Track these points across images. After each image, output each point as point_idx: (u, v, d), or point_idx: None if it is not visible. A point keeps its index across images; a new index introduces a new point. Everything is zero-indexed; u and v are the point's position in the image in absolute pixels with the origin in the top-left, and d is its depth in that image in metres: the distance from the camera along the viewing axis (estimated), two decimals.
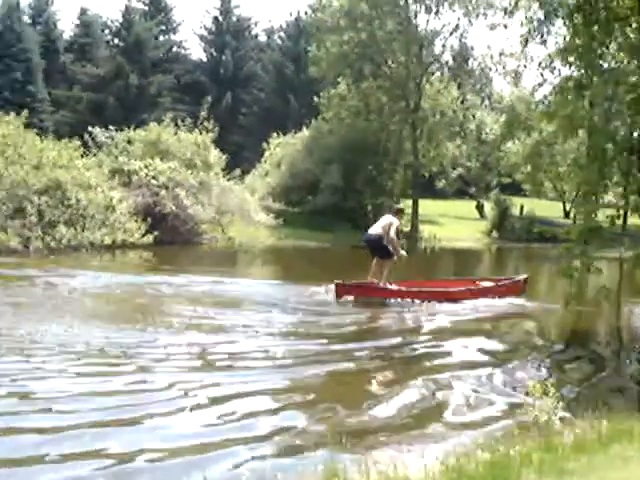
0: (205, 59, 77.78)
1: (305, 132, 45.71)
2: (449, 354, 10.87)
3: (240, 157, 53.58)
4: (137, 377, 8.46)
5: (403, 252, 16.45)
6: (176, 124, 32.65)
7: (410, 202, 43.92)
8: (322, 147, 42.46)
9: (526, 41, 13.88)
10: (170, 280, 17.30)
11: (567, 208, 56.12)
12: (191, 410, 7.19)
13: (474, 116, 58.11)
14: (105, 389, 7.86)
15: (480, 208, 56.91)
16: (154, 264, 22.48)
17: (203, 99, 34.26)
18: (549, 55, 13.65)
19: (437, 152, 48.28)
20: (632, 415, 7.62)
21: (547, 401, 6.56)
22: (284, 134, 47.89)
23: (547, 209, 53.30)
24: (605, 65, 13.37)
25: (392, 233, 15.81)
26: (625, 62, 13.13)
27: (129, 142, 31.01)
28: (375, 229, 16.10)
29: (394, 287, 16.08)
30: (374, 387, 8.92)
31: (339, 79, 46.07)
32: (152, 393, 7.83)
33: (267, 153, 47.02)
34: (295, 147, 44.33)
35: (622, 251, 35.07)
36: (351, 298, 15.58)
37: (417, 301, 15.56)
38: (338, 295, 15.51)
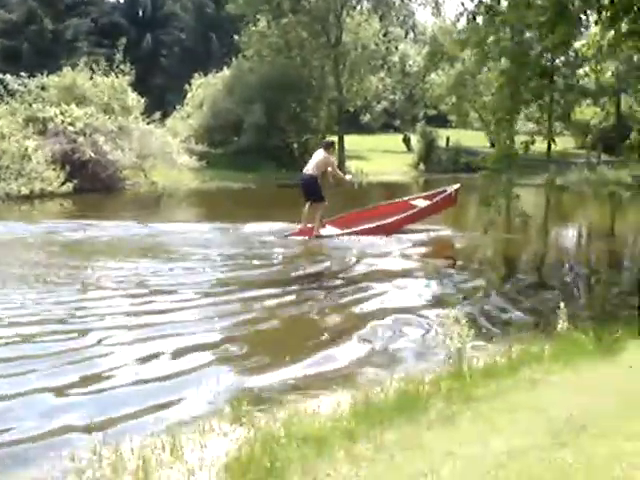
0: (122, 0, 75.65)
1: (226, 71, 44.83)
2: (375, 294, 10.60)
3: (164, 100, 52.55)
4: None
5: (349, 176, 16.29)
6: (91, 68, 31.72)
7: (336, 138, 43.72)
8: (244, 86, 41.69)
9: None
10: (91, 227, 16.83)
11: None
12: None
13: (397, 48, 57.89)
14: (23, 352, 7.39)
15: (407, 141, 56.90)
16: (72, 212, 21.87)
17: (116, 41, 33.16)
18: None
19: (360, 86, 47.98)
20: (545, 337, 7.70)
21: (460, 329, 6.52)
22: (207, 74, 46.86)
23: (474, 139, 53.50)
24: None
25: (330, 168, 15.61)
26: None
27: (43, 88, 29.97)
28: (308, 168, 15.71)
29: (327, 232, 15.75)
30: (300, 334, 8.72)
31: (258, 16, 45.17)
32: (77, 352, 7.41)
33: (189, 94, 46.08)
34: (216, 87, 43.50)
35: (548, 177, 35.71)
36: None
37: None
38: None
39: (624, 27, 11.98)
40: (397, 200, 18.25)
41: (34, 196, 23.96)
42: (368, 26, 46.71)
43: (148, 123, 31.45)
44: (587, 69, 13.89)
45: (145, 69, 66.39)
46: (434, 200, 17.05)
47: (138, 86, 33.57)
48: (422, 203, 17.11)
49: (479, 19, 13.09)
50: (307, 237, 15.20)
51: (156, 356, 7.22)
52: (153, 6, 72.46)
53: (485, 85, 48.29)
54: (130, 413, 5.78)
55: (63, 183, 25.10)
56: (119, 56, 32.03)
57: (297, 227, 15.61)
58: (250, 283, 10.87)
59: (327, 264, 13.02)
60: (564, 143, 54.81)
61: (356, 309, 9.42)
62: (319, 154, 15.85)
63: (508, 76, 12.55)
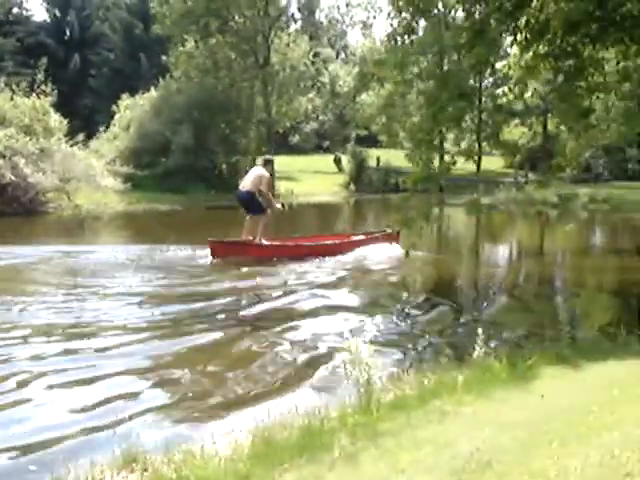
0: (49, 20, 74.34)
1: (153, 92, 44.35)
2: (307, 314, 10.59)
3: (92, 121, 51.74)
4: None
5: (278, 205, 16.15)
6: (11, 89, 30.95)
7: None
8: (171, 107, 41.28)
9: None
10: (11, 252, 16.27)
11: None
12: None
13: (327, 69, 58.03)
14: None
15: (338, 162, 57.00)
16: None
17: (39, 61, 32.39)
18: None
19: (289, 107, 47.96)
20: (460, 366, 7.50)
21: (369, 359, 6.26)
22: (136, 95, 46.31)
23: (404, 159, 53.85)
24: (435, 11, 13.26)
25: (263, 187, 15.44)
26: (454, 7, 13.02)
27: None
28: (245, 184, 15.59)
29: (269, 244, 15.76)
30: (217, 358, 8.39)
31: (186, 36, 44.84)
32: None
33: (117, 115, 45.44)
34: (143, 108, 43.01)
35: (477, 197, 36.08)
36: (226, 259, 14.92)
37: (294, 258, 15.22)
38: (213, 255, 14.97)
39: (541, 49, 12.02)
40: (338, 234, 18.53)
41: None
42: (296, 47, 46.74)
43: (72, 145, 30.79)
44: (505, 89, 13.82)
45: (73, 89, 65.80)
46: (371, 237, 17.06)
47: (66, 107, 33.04)
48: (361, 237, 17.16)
49: (399, 40, 12.99)
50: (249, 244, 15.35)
51: (62, 398, 6.84)
52: (81, 26, 71.70)
53: (415, 106, 48.76)
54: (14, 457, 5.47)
55: None
56: (40, 76, 31.35)
57: (239, 238, 15.69)
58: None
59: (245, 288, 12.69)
60: (494, 163, 55.62)
61: (265, 338, 9.10)
62: (257, 170, 15.86)
63: (428, 97, 12.46)
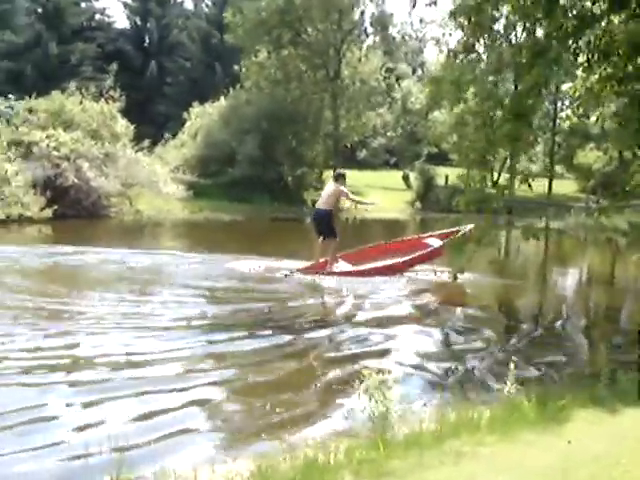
0: (129, 27, 75.53)
1: (223, 101, 44.56)
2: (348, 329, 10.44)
3: (167, 127, 52.15)
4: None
5: (370, 202, 16.10)
6: (81, 93, 31.34)
7: (331, 172, 43.47)
8: (240, 117, 41.44)
9: (414, 3, 13.32)
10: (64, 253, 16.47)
11: (494, 177, 56.22)
12: None
13: (400, 85, 57.65)
14: None
15: (406, 178, 56.51)
16: (46, 238, 21.42)
17: (109, 67, 32.83)
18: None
19: (357, 122, 47.63)
20: (488, 401, 7.11)
21: (387, 390, 5.92)
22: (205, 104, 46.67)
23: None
24: (497, 28, 12.82)
25: (350, 196, 15.66)
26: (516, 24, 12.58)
27: (30, 111, 29.60)
28: (322, 203, 15.44)
29: (340, 269, 15.43)
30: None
31: (258, 47, 45.00)
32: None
33: (188, 123, 45.79)
34: (212, 117, 43.26)
35: (546, 221, 35.25)
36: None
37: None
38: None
39: (605, 71, 11.53)
40: (410, 237, 17.90)
41: (11, 220, 23.47)
42: (368, 61, 46.52)
43: (137, 151, 31.03)
44: (569, 112, 13.37)
45: (148, 96, 66.68)
46: (448, 239, 16.25)
47: (141, 113, 33.44)
48: (435, 242, 16.47)
49: (460, 57, 12.61)
50: (318, 271, 14.94)
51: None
52: (160, 34, 72.59)
53: (470, 126, 47.98)
54: None
55: (43, 208, 24.64)
56: (110, 82, 31.79)
57: (308, 263, 15.39)
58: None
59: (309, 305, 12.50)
60: (567, 187, 54.54)
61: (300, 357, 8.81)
62: (329, 187, 15.68)
63: (482, 117, 12.05)
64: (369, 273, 15.33)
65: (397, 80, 56.39)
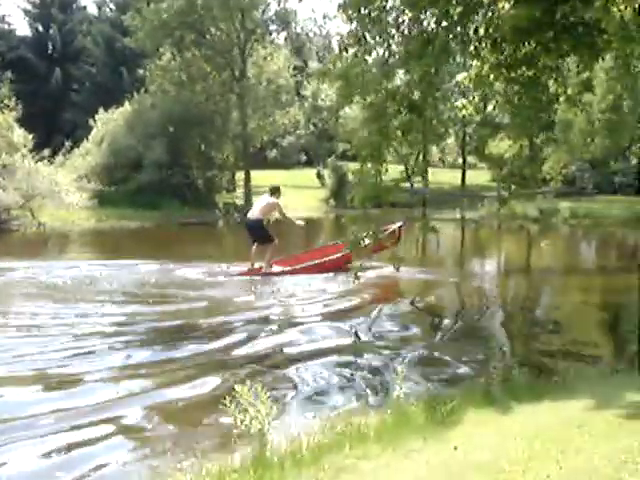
0: (31, 34, 73.49)
1: (127, 107, 43.58)
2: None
3: (75, 135, 50.73)
4: None
5: (299, 222, 16.68)
6: None
7: (243, 174, 43.18)
8: (145, 122, 40.57)
9: None
10: None
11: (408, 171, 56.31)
12: None
13: (309, 82, 57.39)
14: None
15: (320, 176, 56.30)
16: None
17: (18, 76, 31.71)
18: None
19: (266, 121, 47.12)
20: (379, 407, 6.80)
21: (263, 405, 5.51)
22: (117, 109, 45.51)
23: (392, 173, 53.28)
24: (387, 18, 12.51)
25: (280, 213, 16.26)
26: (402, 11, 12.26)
27: None
28: (254, 213, 16.08)
29: (276, 270, 15.93)
30: None
31: (162, 49, 44.17)
32: None
33: (94, 130, 44.63)
34: (117, 123, 42.24)
35: (461, 212, 35.76)
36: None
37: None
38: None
39: (493, 58, 11.33)
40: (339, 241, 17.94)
41: None
42: (273, 60, 46.07)
43: (37, 161, 30.00)
44: (464, 101, 13.16)
45: (56, 104, 65.08)
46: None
47: (48, 122, 32.30)
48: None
49: (351, 51, 12.26)
50: (254, 275, 15.42)
51: None
52: (63, 40, 70.96)
53: (360, 119, 48.10)
54: None
55: None
56: (4, 90, 30.67)
57: (244, 267, 15.82)
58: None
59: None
60: (481, 177, 55.16)
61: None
62: (264, 199, 16.48)
63: (374, 110, 11.73)
64: (302, 272, 15.85)
65: (307, 78, 55.99)
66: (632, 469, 4.38)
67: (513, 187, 46.78)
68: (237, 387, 5.53)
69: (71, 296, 12.92)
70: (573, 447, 5.00)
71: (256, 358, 8.86)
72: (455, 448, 5.27)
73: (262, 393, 5.49)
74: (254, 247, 15.83)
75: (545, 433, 5.45)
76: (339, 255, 16.31)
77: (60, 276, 15.21)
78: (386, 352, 9.41)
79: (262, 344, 9.62)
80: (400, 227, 16.92)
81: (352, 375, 8.24)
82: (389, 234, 16.32)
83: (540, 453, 4.97)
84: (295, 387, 7.72)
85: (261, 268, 15.73)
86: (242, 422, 5.40)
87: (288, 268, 16.23)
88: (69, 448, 6.04)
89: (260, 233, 15.79)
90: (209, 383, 7.77)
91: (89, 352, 8.90)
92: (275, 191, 16.64)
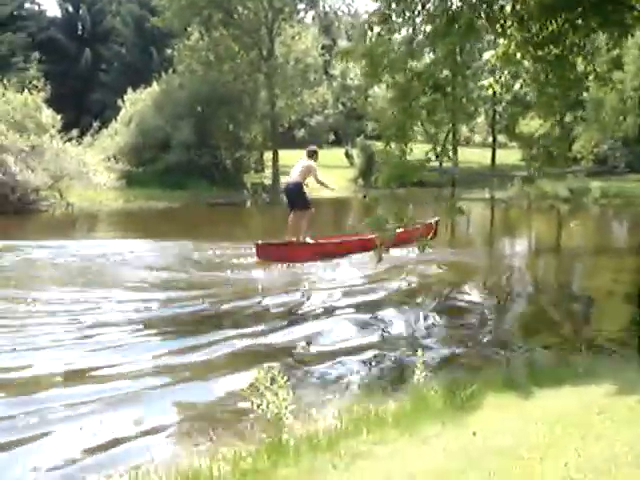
0: (60, 15, 73.82)
1: (155, 87, 43.57)
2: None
3: (104, 115, 50.84)
4: None
5: (332, 186, 16.74)
6: (3, 84, 30.31)
7: (271, 154, 43.12)
8: (173, 102, 40.52)
9: None
10: None
11: (437, 150, 55.86)
12: None
13: (338, 61, 56.99)
14: None
15: (349, 156, 56.06)
16: None
17: (31, 56, 31.76)
18: None
19: (294, 101, 46.93)
20: (398, 392, 6.74)
21: (281, 389, 5.47)
22: (146, 89, 45.54)
23: (419, 153, 52.95)
24: None
25: (319, 177, 15.58)
26: None
27: None
28: (292, 177, 15.71)
29: (313, 242, 15.60)
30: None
31: (190, 29, 44.09)
32: None
33: (122, 111, 44.68)
34: (145, 103, 42.23)
35: (490, 192, 35.63)
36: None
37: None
38: (259, 256, 14.94)
39: (519, 36, 11.15)
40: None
41: None
42: (301, 39, 45.83)
43: (65, 141, 30.11)
44: (491, 80, 13.01)
45: (85, 85, 65.35)
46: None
47: (78, 102, 32.42)
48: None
49: (376, 29, 12.12)
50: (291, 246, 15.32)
51: None
52: (92, 21, 71.24)
53: (385, 99, 47.84)
54: None
55: None
56: (33, 72, 30.79)
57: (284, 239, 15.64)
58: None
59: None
60: (511, 156, 54.69)
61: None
62: (302, 162, 15.76)
63: (399, 89, 11.59)
64: (342, 248, 15.74)
65: (335, 57, 55.82)
66: None
67: (542, 166, 46.43)
68: (255, 371, 5.52)
69: (96, 279, 12.95)
70: (594, 433, 4.92)
71: (276, 345, 8.80)
72: (474, 433, 5.21)
73: (279, 378, 5.45)
74: (291, 217, 15.51)
75: (566, 418, 5.38)
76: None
77: (87, 257, 15.28)
78: (409, 339, 9.34)
79: (284, 332, 9.50)
80: (436, 222, 16.77)
81: (374, 361, 8.19)
82: (424, 228, 16.40)
83: (560, 439, 4.90)
84: (314, 373, 7.68)
85: (297, 241, 15.48)
86: (259, 406, 5.38)
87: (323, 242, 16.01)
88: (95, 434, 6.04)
89: (298, 197, 15.39)
90: (227, 369, 7.76)
91: (111, 343, 8.83)
92: (312, 154, 16.07)
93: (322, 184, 15.83)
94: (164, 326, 9.72)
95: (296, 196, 15.39)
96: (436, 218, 16.90)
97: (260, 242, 15.05)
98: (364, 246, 15.16)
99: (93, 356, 8.23)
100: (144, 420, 6.37)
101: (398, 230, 16.39)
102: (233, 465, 4.91)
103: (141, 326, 9.53)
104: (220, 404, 6.75)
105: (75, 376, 7.53)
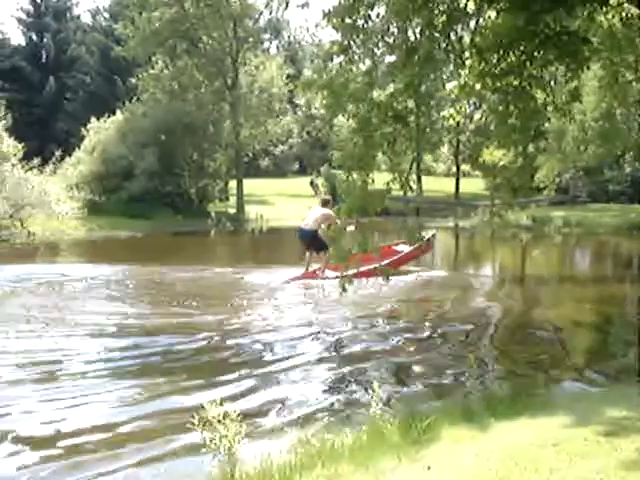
0: (24, 43, 73.31)
1: (119, 116, 43.37)
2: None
3: (68, 144, 50.47)
4: None
5: (351, 227, 16.65)
6: None
7: (236, 183, 43.13)
8: (137, 131, 40.22)
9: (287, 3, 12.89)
10: None
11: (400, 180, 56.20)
12: None
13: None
14: None
15: (314, 185, 56.03)
16: None
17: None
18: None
19: (258, 130, 47.06)
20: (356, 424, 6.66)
21: (233, 423, 5.37)
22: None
23: (382, 182, 53.17)
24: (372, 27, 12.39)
25: (334, 224, 15.94)
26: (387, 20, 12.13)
27: None
28: (308, 224, 16.78)
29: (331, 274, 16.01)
30: None
31: (154, 58, 44.06)
32: None
33: (86, 140, 44.35)
34: (109, 132, 41.98)
35: (455, 220, 35.85)
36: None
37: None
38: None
39: (478, 67, 11.24)
40: (381, 245, 18.30)
41: None
42: (266, 69, 46.00)
43: (27, 170, 29.81)
44: (451, 110, 13.15)
45: (49, 113, 64.95)
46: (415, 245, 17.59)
47: (42, 131, 32.06)
48: (405, 248, 18.11)
49: (336, 60, 12.16)
50: (312, 278, 16.27)
51: None
52: (57, 49, 70.90)
53: (346, 130, 48.19)
54: None
55: None
56: None
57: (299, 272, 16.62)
58: None
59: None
60: (475, 185, 55.14)
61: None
62: (318, 210, 17.00)
63: (360, 120, 11.63)
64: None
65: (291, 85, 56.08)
66: None
67: (505, 196, 46.66)
68: (205, 404, 5.42)
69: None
70: (548, 467, 4.86)
71: (230, 375, 8.69)
72: (429, 468, 5.15)
73: (231, 410, 5.36)
74: (307, 254, 16.85)
75: (521, 451, 5.32)
76: (392, 259, 17.07)
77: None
78: (369, 364, 9.30)
79: (238, 359, 9.45)
80: (433, 235, 18.73)
81: (333, 390, 8.13)
82: (425, 246, 17.95)
83: (514, 474, 4.84)
84: (270, 404, 7.57)
85: (316, 272, 16.52)
86: (211, 441, 5.28)
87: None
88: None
89: (315, 242, 16.56)
90: (176, 400, 7.66)
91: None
92: (326, 203, 17.25)
93: (346, 223, 16.66)
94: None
95: (311, 241, 16.64)
96: (431, 233, 18.84)
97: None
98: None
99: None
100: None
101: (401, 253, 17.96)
102: None
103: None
104: (169, 439, 6.60)
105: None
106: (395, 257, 17.58)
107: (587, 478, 4.51)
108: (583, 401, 7.08)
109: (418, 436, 5.79)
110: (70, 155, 41.45)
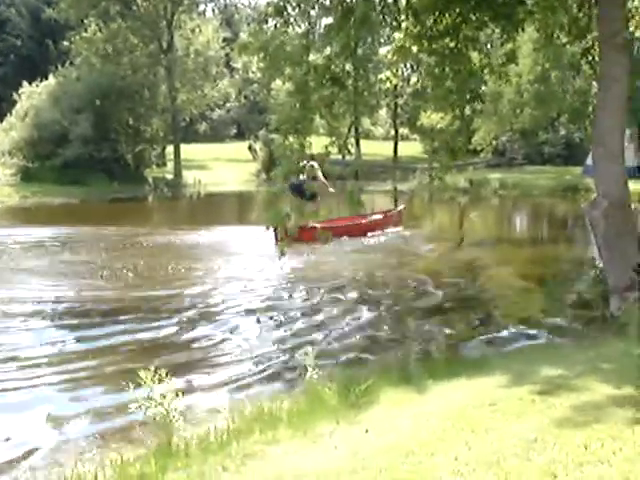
0: None
1: (52, 80, 42.35)
2: None
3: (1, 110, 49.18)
4: None
5: (331, 189, 17.60)
6: None
7: (173, 148, 42.64)
8: (70, 95, 39.20)
9: None
10: None
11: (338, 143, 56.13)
12: None
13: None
14: None
15: (252, 149, 55.71)
16: None
17: None
18: None
19: (195, 94, 46.46)
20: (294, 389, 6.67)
21: (169, 391, 5.31)
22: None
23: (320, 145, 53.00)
24: None
25: (319, 176, 17.06)
26: None
27: None
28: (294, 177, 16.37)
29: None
30: None
31: (87, 21, 43.03)
32: None
33: (18, 105, 43.26)
34: (41, 97, 40.99)
35: (393, 183, 35.95)
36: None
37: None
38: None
39: (414, 30, 11.22)
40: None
41: None
42: (204, 32, 45.35)
43: None
44: (388, 73, 13.12)
45: None
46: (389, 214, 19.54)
47: None
48: (378, 216, 19.52)
49: (271, 23, 11.98)
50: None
51: None
52: None
53: (283, 93, 48.00)
54: None
55: None
56: None
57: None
58: None
59: None
60: (413, 148, 55.32)
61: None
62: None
63: (296, 83, 11.51)
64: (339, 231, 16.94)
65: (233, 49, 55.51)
66: (541, 447, 4.31)
67: (442, 158, 46.92)
68: (141, 373, 5.34)
69: None
70: (484, 427, 4.91)
71: (169, 343, 8.64)
72: (367, 431, 5.17)
73: (167, 378, 5.31)
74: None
75: (458, 412, 5.37)
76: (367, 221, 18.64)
77: None
78: (309, 330, 9.33)
79: (178, 328, 9.39)
80: (400, 210, 19.63)
81: (271, 358, 8.11)
82: (396, 216, 19.16)
83: (451, 434, 4.87)
84: (208, 373, 7.54)
85: (314, 227, 15.91)
86: (147, 409, 5.22)
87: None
88: None
89: (305, 192, 16.26)
90: (114, 370, 7.58)
91: None
92: (313, 157, 16.48)
93: (322, 183, 17.13)
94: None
95: (301, 191, 16.20)
96: (401, 207, 20.24)
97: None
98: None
99: None
100: (25, 427, 6.16)
101: (376, 217, 19.15)
102: (120, 471, 4.76)
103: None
104: (108, 408, 6.54)
105: None
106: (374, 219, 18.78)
107: (522, 437, 4.54)
108: (519, 361, 7.16)
109: (356, 400, 5.81)
110: (1, 121, 40.46)
